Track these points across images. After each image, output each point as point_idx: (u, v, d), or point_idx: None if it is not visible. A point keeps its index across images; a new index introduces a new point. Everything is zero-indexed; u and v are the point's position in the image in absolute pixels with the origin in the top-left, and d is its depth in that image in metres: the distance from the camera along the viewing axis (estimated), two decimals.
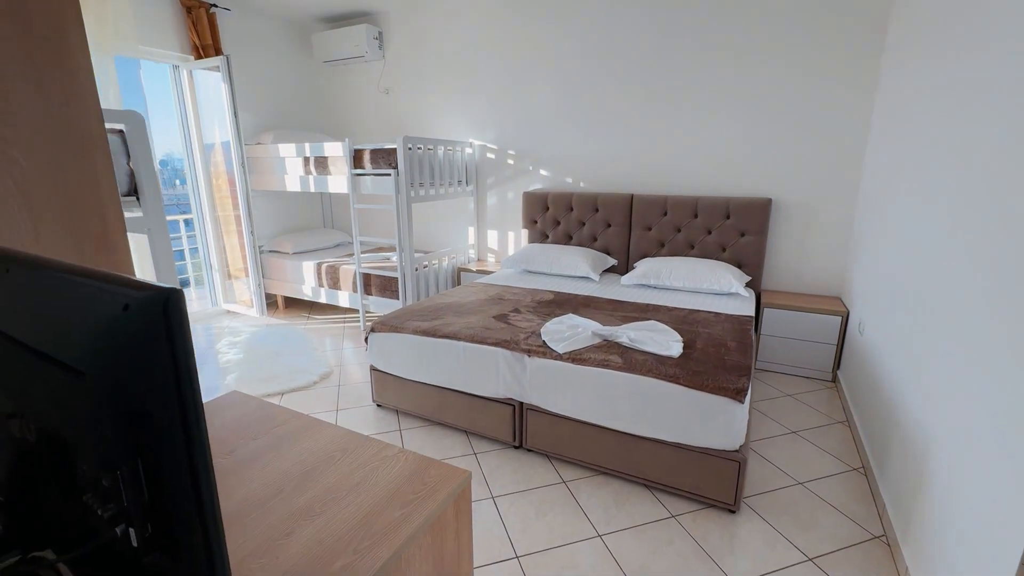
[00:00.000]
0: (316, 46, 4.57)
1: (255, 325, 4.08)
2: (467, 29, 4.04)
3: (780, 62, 3.06)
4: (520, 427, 2.26)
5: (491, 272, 3.99)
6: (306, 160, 3.91)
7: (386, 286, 3.78)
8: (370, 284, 3.85)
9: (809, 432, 2.46)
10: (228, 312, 4.45)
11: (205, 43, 3.90)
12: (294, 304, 4.66)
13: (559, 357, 2.09)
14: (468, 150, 4.20)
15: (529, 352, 2.15)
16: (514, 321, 2.50)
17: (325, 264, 4.11)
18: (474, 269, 4.12)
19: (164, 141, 4.15)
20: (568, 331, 2.28)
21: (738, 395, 1.74)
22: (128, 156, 2.02)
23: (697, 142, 3.40)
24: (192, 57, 3.90)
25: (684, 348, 2.11)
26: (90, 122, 1.08)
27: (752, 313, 2.68)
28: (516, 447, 2.31)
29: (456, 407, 2.40)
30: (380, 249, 4.56)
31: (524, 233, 4.06)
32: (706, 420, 1.81)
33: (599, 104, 3.65)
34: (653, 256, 3.54)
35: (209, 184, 4.19)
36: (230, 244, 4.29)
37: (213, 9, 3.94)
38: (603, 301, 2.89)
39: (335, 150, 3.71)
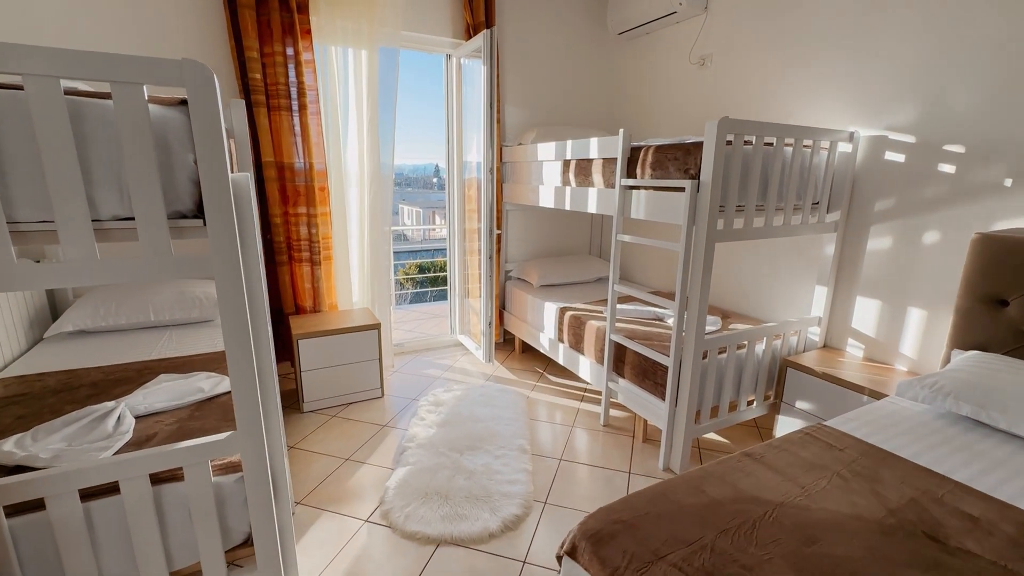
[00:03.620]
0: (612, 11, 3.37)
1: (475, 375, 3.21)
2: None
3: None
4: None
5: (858, 386, 1.99)
6: (565, 165, 2.75)
7: (647, 371, 2.27)
8: (624, 359, 2.42)
9: None
10: (459, 345, 3.76)
11: (478, 21, 3.18)
12: (531, 353, 3.63)
13: None
14: (844, 147, 2.26)
15: None
16: None
17: (569, 311, 2.88)
18: (818, 371, 2.19)
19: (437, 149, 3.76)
20: None
21: None
22: (193, 148, 1.13)
23: None
24: (464, 40, 3.24)
25: None
26: None
27: None
28: None
29: None
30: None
31: (957, 322, 1.88)
32: None
33: None
34: None
35: (462, 192, 3.53)
36: (472, 263, 3.56)
37: None
38: None
39: (602, 149, 2.41)
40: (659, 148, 2.09)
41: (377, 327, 2.77)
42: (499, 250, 3.53)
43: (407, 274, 16.43)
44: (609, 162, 2.39)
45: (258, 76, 2.65)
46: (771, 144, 2.02)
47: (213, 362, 1.99)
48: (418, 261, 15.85)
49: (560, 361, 2.98)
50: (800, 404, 2.25)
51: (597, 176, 2.49)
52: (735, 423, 2.33)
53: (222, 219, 1.10)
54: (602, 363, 2.54)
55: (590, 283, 3.59)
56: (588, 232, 4.05)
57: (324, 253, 3.01)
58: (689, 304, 2.01)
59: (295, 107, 2.77)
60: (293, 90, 2.75)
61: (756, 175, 1.96)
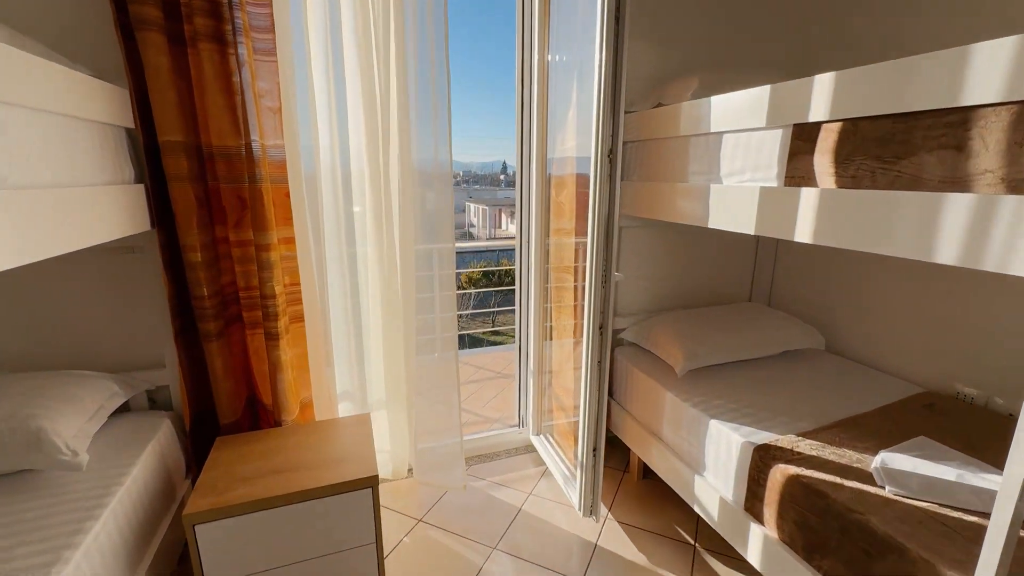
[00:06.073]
0: None
1: (565, 549, 1.70)
2: None
3: None
4: None
5: None
6: (804, 137, 1.16)
7: None
8: None
9: None
10: (530, 451, 2.26)
11: None
12: (658, 488, 2.02)
13: None
14: None
15: None
16: None
17: (782, 460, 1.30)
18: None
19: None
20: None
21: None
22: None
23: None
24: None
25: None
26: None
27: None
28: None
29: None
30: None
31: None
32: None
33: None
34: None
35: (543, 198, 2.03)
36: (561, 324, 2.05)
37: None
38: None
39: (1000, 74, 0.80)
40: None
41: (373, 483, 1.33)
42: None
43: (470, 279, 15.16)
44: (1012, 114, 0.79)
45: None
46: None
47: None
48: (483, 264, 14.57)
49: (753, 561, 1.39)
50: None
51: (935, 159, 0.89)
52: None
53: None
54: None
55: (773, 361, 1.96)
56: (749, 264, 2.41)
57: (291, 310, 1.64)
58: None
59: (231, 38, 1.40)
60: (224, 5, 1.38)
61: None
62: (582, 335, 1.64)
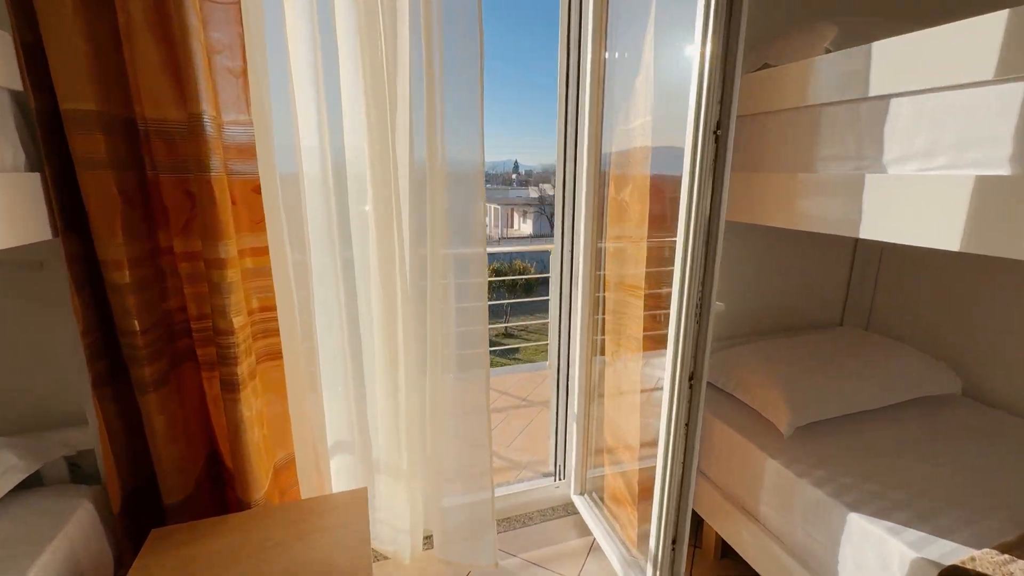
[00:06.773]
0: None
1: None
2: None
3: None
4: None
5: None
6: None
7: None
8: None
9: None
10: (570, 512, 1.80)
11: None
12: (742, 572, 1.55)
13: None
14: None
15: None
16: None
17: None
18: None
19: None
20: None
21: None
22: None
23: None
24: None
25: None
26: None
27: None
28: None
29: None
30: None
31: None
32: None
33: None
34: None
35: (595, 200, 1.58)
36: (618, 344, 1.59)
37: None
38: None
39: None
40: None
41: None
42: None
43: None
44: None
45: None
46: None
47: None
48: (493, 267, 14.14)
49: None
50: None
51: None
52: None
53: None
54: None
55: (899, 412, 1.48)
56: (842, 277, 1.94)
57: (261, 346, 1.21)
58: None
59: None
60: None
61: None
62: (661, 382, 1.18)
